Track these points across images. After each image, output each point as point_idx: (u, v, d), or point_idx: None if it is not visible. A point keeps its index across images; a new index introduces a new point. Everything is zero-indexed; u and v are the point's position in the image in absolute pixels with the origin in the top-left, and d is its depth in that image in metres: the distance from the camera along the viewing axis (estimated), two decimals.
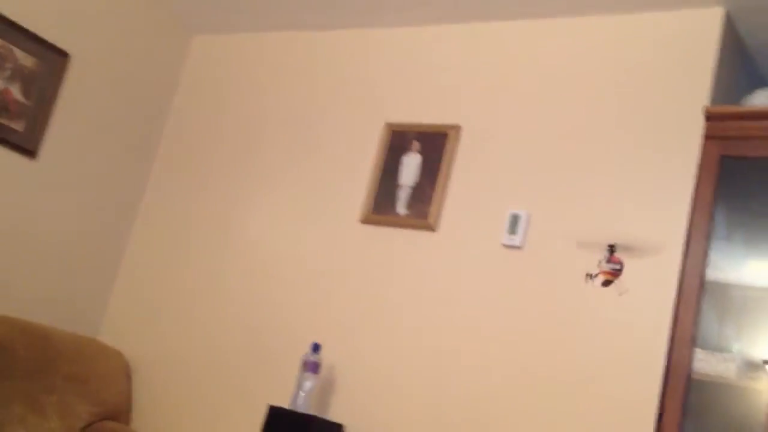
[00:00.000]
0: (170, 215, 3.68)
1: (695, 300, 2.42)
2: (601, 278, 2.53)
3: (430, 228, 2.98)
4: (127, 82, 3.68)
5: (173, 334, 3.41)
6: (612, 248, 2.55)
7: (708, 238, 2.46)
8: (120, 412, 3.19)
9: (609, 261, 2.54)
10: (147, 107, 3.78)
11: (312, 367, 2.83)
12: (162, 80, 3.84)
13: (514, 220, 2.81)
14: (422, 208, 3.03)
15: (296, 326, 3.13)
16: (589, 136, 2.78)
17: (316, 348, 2.85)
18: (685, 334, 2.40)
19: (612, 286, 2.54)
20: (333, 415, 2.88)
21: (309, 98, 3.50)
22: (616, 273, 2.53)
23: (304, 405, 2.78)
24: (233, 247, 3.43)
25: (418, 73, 3.25)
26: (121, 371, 3.30)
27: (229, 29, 3.82)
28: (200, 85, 3.88)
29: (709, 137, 2.55)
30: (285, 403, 2.86)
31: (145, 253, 3.68)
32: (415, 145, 3.13)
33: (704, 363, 2.40)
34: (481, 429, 2.62)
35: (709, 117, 2.55)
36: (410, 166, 3.11)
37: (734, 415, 2.46)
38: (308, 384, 2.81)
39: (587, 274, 2.56)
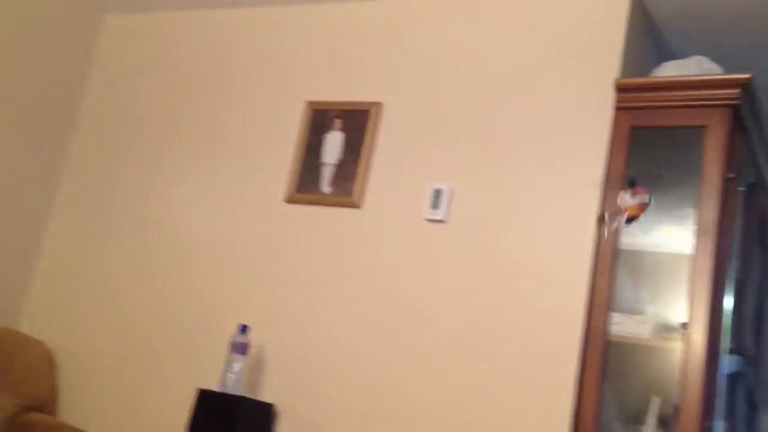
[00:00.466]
0: (89, 200, 3.60)
1: (610, 266, 2.51)
2: (625, 216, 2.53)
3: (355, 205, 3.00)
4: (38, 64, 3.55)
5: (97, 322, 3.34)
6: (633, 182, 2.56)
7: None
8: (46, 403, 3.13)
9: (634, 195, 2.55)
10: (59, 90, 3.67)
11: (240, 348, 2.82)
12: (74, 61, 3.72)
13: (437, 195, 2.85)
14: (346, 185, 3.04)
15: (223, 308, 3.11)
16: (506, 110, 2.83)
17: (243, 329, 2.85)
18: (601, 299, 2.49)
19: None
20: (263, 396, 2.89)
21: (227, 78, 3.46)
22: (644, 206, 2.54)
23: (233, 387, 2.78)
24: (155, 230, 3.38)
25: (338, 51, 3.25)
26: (45, 361, 3.23)
27: (142, 8, 3.73)
28: (114, 66, 3.78)
29: (620, 108, 2.63)
30: (214, 386, 2.85)
31: (64, 240, 3.59)
32: (337, 123, 3.13)
33: (620, 326, 2.49)
34: (409, 402, 2.67)
35: (620, 89, 2.64)
36: (333, 143, 3.12)
37: (650, 373, 2.57)
38: (237, 365, 2.80)
39: (599, 217, 2.55)
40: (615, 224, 2.56)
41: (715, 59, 2.70)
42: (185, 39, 3.64)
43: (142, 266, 3.35)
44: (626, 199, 2.58)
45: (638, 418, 2.51)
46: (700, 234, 2.43)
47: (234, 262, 3.17)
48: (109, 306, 3.35)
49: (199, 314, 3.16)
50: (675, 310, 2.52)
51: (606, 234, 2.57)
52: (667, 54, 3.07)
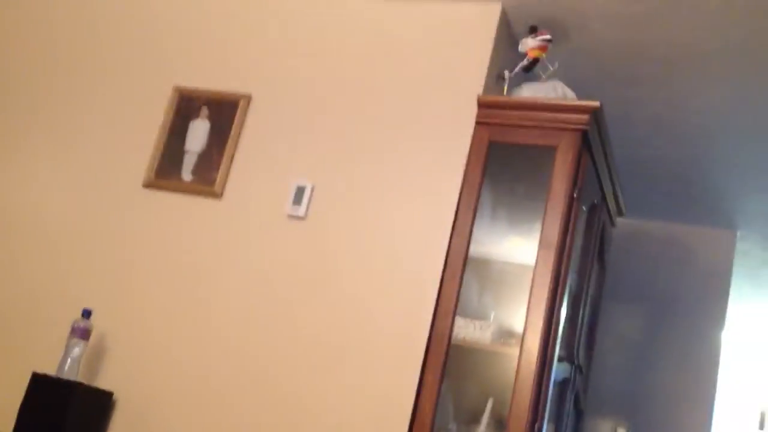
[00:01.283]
0: None
1: (459, 273, 2.60)
2: (527, 59, 2.64)
3: (215, 195, 2.97)
4: None
5: None
6: (534, 28, 2.65)
7: (474, 216, 2.65)
8: None
9: (535, 37, 2.63)
10: None
11: (81, 332, 2.73)
12: None
13: (300, 192, 2.87)
14: (208, 174, 3.00)
15: (68, 292, 2.99)
16: (373, 115, 2.89)
17: (86, 314, 2.75)
18: (448, 304, 2.57)
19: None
20: (103, 384, 2.80)
21: (93, 53, 3.34)
22: (545, 46, 2.63)
23: (71, 372, 2.68)
24: (1, 209, 3.22)
25: (212, 40, 3.21)
26: None
27: None
28: None
29: (480, 123, 2.74)
30: (52, 372, 2.73)
31: None
32: (204, 111, 3.09)
33: (464, 330, 2.59)
34: (251, 397, 2.67)
35: (481, 105, 2.75)
36: (198, 131, 3.07)
37: (488, 377, 2.68)
38: (76, 350, 2.71)
39: (498, 75, 2.64)
40: (512, 74, 2.65)
41: (570, 84, 2.86)
42: (54, 10, 3.48)
43: None
44: (528, 43, 2.66)
45: (474, 419, 2.61)
46: (542, 247, 2.56)
47: (85, 245, 3.05)
48: None
49: (43, 298, 3.02)
50: (515, 317, 2.64)
51: (505, 90, 2.73)
52: (529, 76, 3.23)
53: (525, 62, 2.79)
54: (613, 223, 3.44)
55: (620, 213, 3.45)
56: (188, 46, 3.22)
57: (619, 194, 3.28)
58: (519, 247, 2.78)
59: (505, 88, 2.75)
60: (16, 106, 3.37)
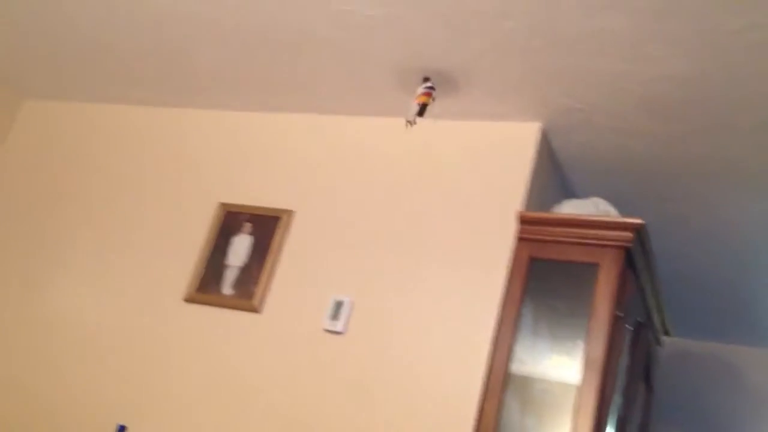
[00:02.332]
0: None
1: (499, 391, 2.53)
2: (416, 104, 2.63)
3: (255, 309, 2.97)
4: None
5: None
6: (427, 78, 2.69)
7: (514, 333, 2.61)
8: None
9: (423, 84, 2.66)
10: None
11: None
12: None
13: (338, 306, 2.86)
14: (248, 289, 3.02)
15: (104, 406, 2.97)
16: (414, 230, 2.90)
17: (121, 430, 2.72)
18: (488, 424, 2.49)
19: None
20: None
21: (138, 172, 3.46)
22: (430, 93, 2.64)
23: None
24: (43, 319, 3.25)
25: (256, 157, 3.29)
26: None
27: (61, 97, 3.73)
28: (26, 149, 3.73)
29: (521, 239, 2.73)
30: None
31: None
32: (247, 226, 3.14)
33: None
34: None
35: (522, 221, 2.75)
36: (240, 246, 3.11)
37: None
38: None
39: (407, 122, 2.65)
40: (413, 119, 2.65)
41: (612, 201, 2.86)
42: (99, 130, 3.64)
43: (26, 355, 3.19)
44: (417, 91, 2.66)
45: None
46: (587, 367, 2.49)
47: (125, 359, 3.05)
48: None
49: (78, 409, 3.01)
50: None
51: (409, 126, 2.71)
52: (569, 193, 3.24)
53: (416, 108, 2.76)
54: (659, 343, 3.34)
55: (666, 332, 3.36)
56: (233, 165, 3.31)
57: (665, 312, 3.21)
58: (562, 366, 2.71)
59: (411, 125, 2.74)
60: (64, 221, 3.46)
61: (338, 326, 2.83)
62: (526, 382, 2.70)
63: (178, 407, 2.89)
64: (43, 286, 3.33)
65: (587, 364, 2.49)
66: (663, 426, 3.67)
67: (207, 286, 3.08)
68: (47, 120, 3.75)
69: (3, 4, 3.00)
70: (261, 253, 3.06)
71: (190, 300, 3.08)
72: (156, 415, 2.89)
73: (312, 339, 2.85)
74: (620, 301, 2.58)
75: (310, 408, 2.73)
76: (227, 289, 3.05)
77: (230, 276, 3.07)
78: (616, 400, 2.58)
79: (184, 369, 2.95)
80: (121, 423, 2.76)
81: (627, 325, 2.65)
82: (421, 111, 2.66)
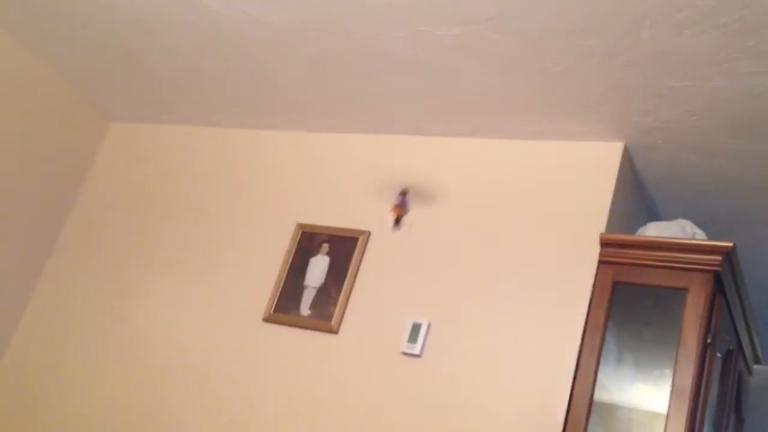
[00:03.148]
0: (65, 303, 3.56)
1: (584, 420, 2.46)
2: (391, 216, 2.76)
3: (332, 330, 2.97)
4: (40, 164, 3.62)
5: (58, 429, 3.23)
6: (405, 191, 2.84)
7: (598, 359, 2.53)
8: None
9: (398, 197, 2.79)
10: (56, 190, 3.72)
11: None
12: (75, 164, 3.80)
13: (415, 329, 2.83)
14: (326, 310, 3.02)
15: (189, 424, 3.01)
16: (492, 252, 2.86)
17: None
18: None
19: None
20: None
21: (219, 193, 3.51)
22: (402, 204, 2.81)
23: None
24: (128, 339, 3.33)
25: (333, 178, 3.31)
26: None
27: (147, 119, 3.84)
28: (113, 171, 3.84)
29: (603, 263, 2.66)
30: None
31: (33, 342, 3.52)
32: (325, 247, 3.15)
33: None
34: None
35: (604, 243, 2.67)
36: (318, 267, 3.12)
37: None
38: None
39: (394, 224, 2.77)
40: (399, 227, 2.76)
41: (699, 223, 2.76)
42: (182, 151, 3.71)
43: (111, 377, 3.27)
44: (390, 203, 2.76)
45: None
46: (674, 396, 2.39)
47: (205, 378, 3.10)
48: (74, 417, 3.24)
49: (162, 423, 3.05)
50: None
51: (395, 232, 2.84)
52: (653, 214, 3.14)
53: (392, 220, 2.90)
54: (750, 372, 3.20)
55: (757, 360, 3.22)
56: (310, 184, 3.33)
57: (756, 340, 3.07)
58: (648, 394, 2.62)
59: (396, 230, 2.89)
60: (150, 241, 3.54)
61: (416, 349, 2.80)
62: (611, 410, 2.61)
63: (257, 427, 2.90)
64: (130, 306, 3.41)
65: (675, 393, 2.40)
66: None
67: (285, 306, 3.10)
68: (133, 142, 3.86)
69: (91, 29, 3.11)
70: (338, 273, 3.06)
71: (268, 320, 3.10)
72: None
73: (389, 361, 2.83)
74: (709, 327, 2.48)
75: (386, 429, 2.71)
76: (305, 309, 3.06)
77: (308, 297, 3.08)
78: (706, 431, 2.47)
79: (264, 388, 2.97)
80: None
81: (717, 353, 2.54)
82: (397, 222, 2.72)
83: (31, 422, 3.29)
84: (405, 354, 2.82)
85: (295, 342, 3.01)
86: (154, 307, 3.36)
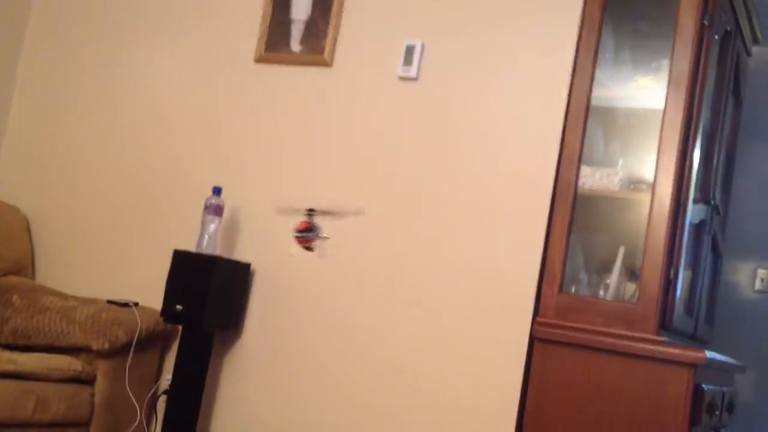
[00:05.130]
0: (54, 66, 3.49)
1: (582, 120, 2.49)
2: (299, 248, 2.60)
3: (326, 63, 2.93)
4: None
5: (70, 187, 3.32)
6: (311, 212, 2.61)
7: (595, 58, 2.51)
8: (23, 267, 3.15)
9: (296, 230, 2.59)
10: None
11: (214, 209, 2.83)
12: None
13: (410, 51, 2.79)
14: (317, 43, 2.96)
15: (196, 171, 3.09)
16: None
17: (217, 191, 2.84)
18: (572, 153, 2.49)
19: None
20: (239, 256, 2.92)
21: None
22: (307, 238, 2.59)
23: (209, 247, 2.80)
24: (123, 93, 3.31)
25: None
26: (19, 226, 3.23)
27: None
28: None
29: None
30: (191, 248, 2.87)
31: (31, 107, 3.51)
32: None
33: (590, 179, 2.51)
34: (375, 245, 2.72)
35: None
36: None
37: (619, 225, 2.61)
38: (212, 226, 2.82)
39: (290, 254, 2.65)
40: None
41: None
42: None
43: (113, 131, 3.30)
44: (292, 234, 2.59)
45: (605, 268, 2.57)
46: (672, 85, 2.40)
47: (205, 124, 3.12)
48: (81, 171, 3.32)
49: (172, 177, 3.14)
50: (645, 163, 2.53)
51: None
52: None
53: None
54: (748, 53, 3.18)
55: (756, 40, 3.17)
56: None
57: (755, 19, 3.01)
58: (646, 90, 2.62)
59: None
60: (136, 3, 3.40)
61: (411, 72, 2.78)
62: (610, 110, 2.64)
63: (263, 165, 2.98)
64: (119, 57, 3.35)
65: (672, 81, 2.40)
66: (753, 141, 3.58)
67: (275, 44, 3.04)
68: None
69: None
70: (325, 3, 2.96)
71: (260, 60, 3.06)
72: (245, 175, 3.00)
73: (386, 88, 2.82)
74: (706, 9, 2.42)
75: (387, 155, 2.77)
76: (295, 45, 3.00)
77: (297, 32, 3.00)
78: (704, 117, 2.50)
79: (264, 128, 3.01)
80: (216, 185, 2.88)
81: (714, 36, 2.50)
82: (309, 249, 2.59)
83: (50, 186, 3.39)
84: (401, 78, 2.80)
85: (290, 79, 2.99)
86: (146, 63, 3.31)
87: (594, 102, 2.51)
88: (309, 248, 2.62)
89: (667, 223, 2.33)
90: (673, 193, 2.35)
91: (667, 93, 2.40)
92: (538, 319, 2.44)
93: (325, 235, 2.66)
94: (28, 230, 3.28)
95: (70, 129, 3.39)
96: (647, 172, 2.50)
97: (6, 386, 2.41)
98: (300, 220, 2.61)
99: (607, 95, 2.62)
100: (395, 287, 2.69)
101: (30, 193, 3.39)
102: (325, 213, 2.65)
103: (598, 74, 2.52)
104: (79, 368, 2.63)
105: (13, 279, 3.04)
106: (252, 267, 2.90)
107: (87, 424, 2.65)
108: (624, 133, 2.70)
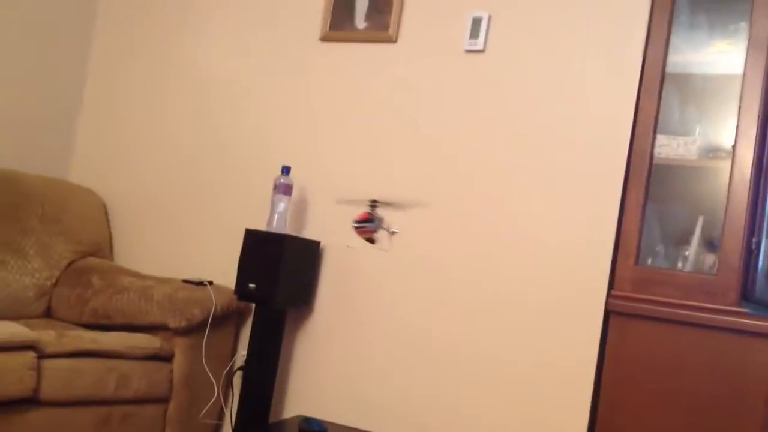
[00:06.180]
0: (125, 46, 3.56)
1: (657, 88, 2.42)
2: (361, 240, 2.58)
3: (391, 39, 2.92)
4: None
5: (144, 170, 3.40)
6: (374, 203, 2.60)
7: (670, 24, 2.43)
8: (101, 248, 3.24)
9: (356, 220, 2.59)
10: None
11: (284, 188, 2.85)
12: None
13: (476, 23, 2.75)
14: (381, 19, 2.95)
15: (265, 150, 3.12)
16: None
17: (285, 170, 2.86)
18: (647, 121, 2.42)
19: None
20: (308, 234, 2.95)
21: None
22: (369, 229, 2.57)
23: (279, 226, 2.83)
24: (194, 77, 3.36)
25: None
26: (97, 209, 3.31)
27: None
28: None
29: None
30: (261, 227, 2.91)
31: (105, 91, 3.59)
32: None
33: (666, 148, 2.44)
34: (445, 223, 2.71)
35: None
36: None
37: (697, 195, 2.53)
38: (281, 205, 2.84)
39: (348, 246, 2.66)
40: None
41: None
42: None
43: (185, 113, 3.35)
44: (353, 225, 2.58)
45: (683, 240, 2.50)
46: (751, 48, 2.31)
47: (272, 105, 3.15)
48: (155, 154, 3.39)
49: (243, 157, 3.18)
50: (724, 131, 2.45)
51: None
52: None
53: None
54: None
55: None
56: None
57: None
58: (723, 54, 2.52)
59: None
60: None
61: (478, 45, 2.74)
62: (685, 77, 2.55)
63: (330, 144, 2.99)
64: (190, 40, 3.40)
65: (752, 44, 2.31)
66: None
67: (339, 22, 3.04)
68: None
69: None
70: None
71: (326, 38, 3.06)
72: (313, 154, 3.01)
73: (452, 61, 2.79)
74: None
75: (455, 128, 2.75)
76: (360, 22, 2.99)
77: (361, 9, 2.99)
78: None
79: (330, 107, 3.01)
80: (286, 164, 2.90)
81: None
82: (371, 241, 2.58)
83: (126, 168, 3.47)
84: (468, 51, 2.77)
85: (355, 57, 2.99)
86: (215, 46, 3.34)
87: (669, 68, 2.44)
88: (370, 240, 2.62)
89: (749, 191, 2.26)
90: (754, 160, 2.27)
91: (747, 57, 2.31)
92: (613, 292, 2.40)
93: (393, 229, 2.67)
94: (106, 213, 3.37)
95: (143, 113, 3.46)
96: (725, 139, 2.42)
97: (89, 364, 2.48)
98: (361, 211, 2.62)
99: (683, 61, 2.53)
100: (467, 264, 2.67)
101: (106, 176, 3.48)
102: (388, 204, 2.65)
103: (673, 39, 2.44)
104: (158, 346, 2.69)
105: (92, 261, 3.13)
106: (321, 245, 2.92)
107: (167, 399, 2.71)
108: (700, 100, 2.61)
